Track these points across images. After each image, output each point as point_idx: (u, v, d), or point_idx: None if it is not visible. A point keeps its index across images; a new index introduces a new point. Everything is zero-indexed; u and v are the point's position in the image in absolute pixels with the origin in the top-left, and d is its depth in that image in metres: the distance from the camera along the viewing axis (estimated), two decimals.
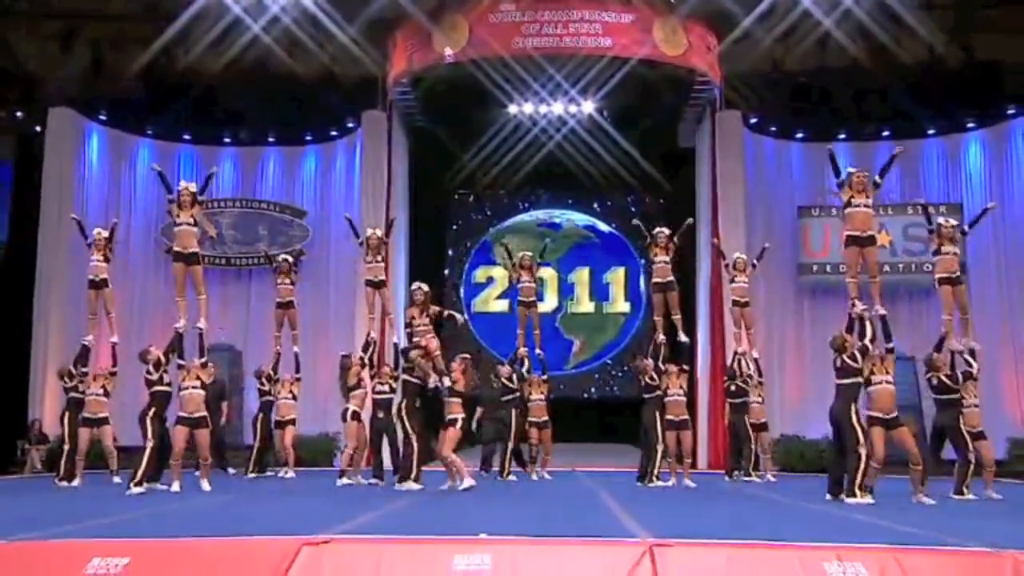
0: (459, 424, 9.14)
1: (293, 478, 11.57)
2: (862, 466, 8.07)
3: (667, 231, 11.42)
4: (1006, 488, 10.04)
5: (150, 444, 9.12)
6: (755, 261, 12.62)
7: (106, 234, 11.21)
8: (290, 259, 12.83)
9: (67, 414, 10.82)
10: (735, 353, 12.37)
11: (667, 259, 11.30)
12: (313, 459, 14.23)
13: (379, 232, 11.93)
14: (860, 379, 8.37)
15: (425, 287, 10.27)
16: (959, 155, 16.51)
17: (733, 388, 11.92)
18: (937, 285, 9.78)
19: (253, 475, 11.82)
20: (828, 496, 8.49)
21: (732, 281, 12.46)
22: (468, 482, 8.98)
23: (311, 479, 11.54)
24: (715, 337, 15.28)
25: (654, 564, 4.48)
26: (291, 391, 12.11)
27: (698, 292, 16.22)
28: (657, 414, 10.37)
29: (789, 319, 16.45)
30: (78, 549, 4.82)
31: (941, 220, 9.91)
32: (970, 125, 16.34)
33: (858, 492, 8.00)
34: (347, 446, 10.90)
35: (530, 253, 12.73)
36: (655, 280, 11.40)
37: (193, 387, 9.23)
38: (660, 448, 10.37)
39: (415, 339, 9.69)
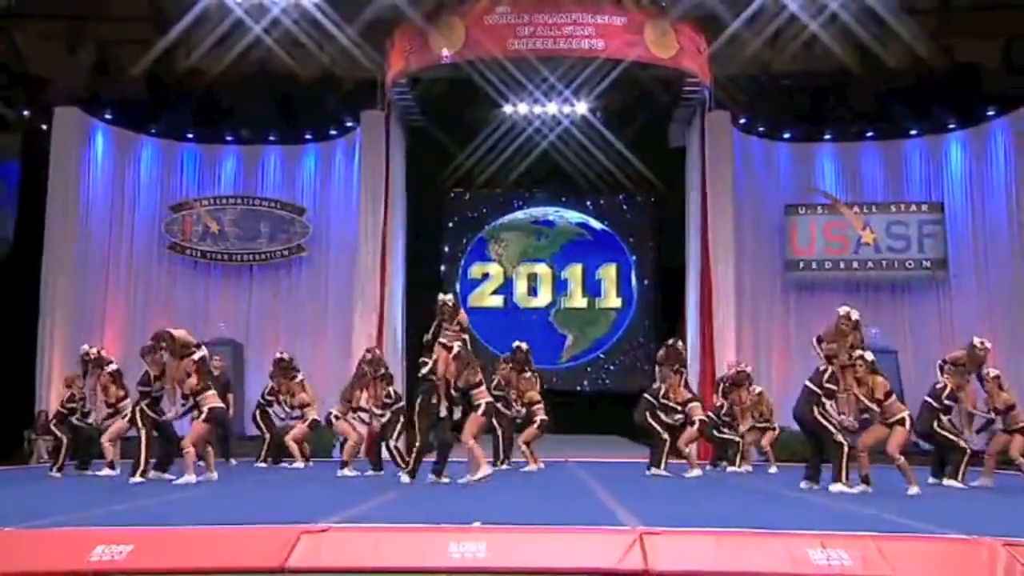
0: (482, 409, 8.87)
1: (299, 469, 11.94)
2: (845, 454, 8.34)
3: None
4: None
5: (143, 433, 9.29)
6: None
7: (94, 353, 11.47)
8: None
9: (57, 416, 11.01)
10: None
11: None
12: (312, 450, 14.59)
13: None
14: (820, 391, 8.54)
15: (450, 299, 9.83)
16: (941, 155, 16.89)
17: (721, 407, 12.00)
18: None
19: (263, 464, 12.20)
20: (803, 483, 8.71)
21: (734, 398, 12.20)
22: (485, 470, 8.79)
23: (310, 469, 11.80)
24: (704, 330, 15.69)
25: (644, 551, 4.60)
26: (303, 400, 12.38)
27: (687, 286, 16.64)
28: (648, 414, 10.57)
29: (776, 314, 16.85)
30: (82, 537, 4.88)
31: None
32: (951, 126, 16.68)
33: (843, 480, 8.23)
34: (343, 439, 11.14)
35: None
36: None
37: None
38: (666, 439, 10.56)
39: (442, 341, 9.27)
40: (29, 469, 12.68)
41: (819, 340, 9.19)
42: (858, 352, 8.73)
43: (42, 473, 10.80)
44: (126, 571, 4.60)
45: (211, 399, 9.29)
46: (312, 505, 6.81)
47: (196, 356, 9.41)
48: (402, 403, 11.07)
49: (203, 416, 9.18)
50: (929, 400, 9.64)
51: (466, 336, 9.43)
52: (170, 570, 4.63)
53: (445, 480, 8.98)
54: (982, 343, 9.90)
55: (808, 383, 8.77)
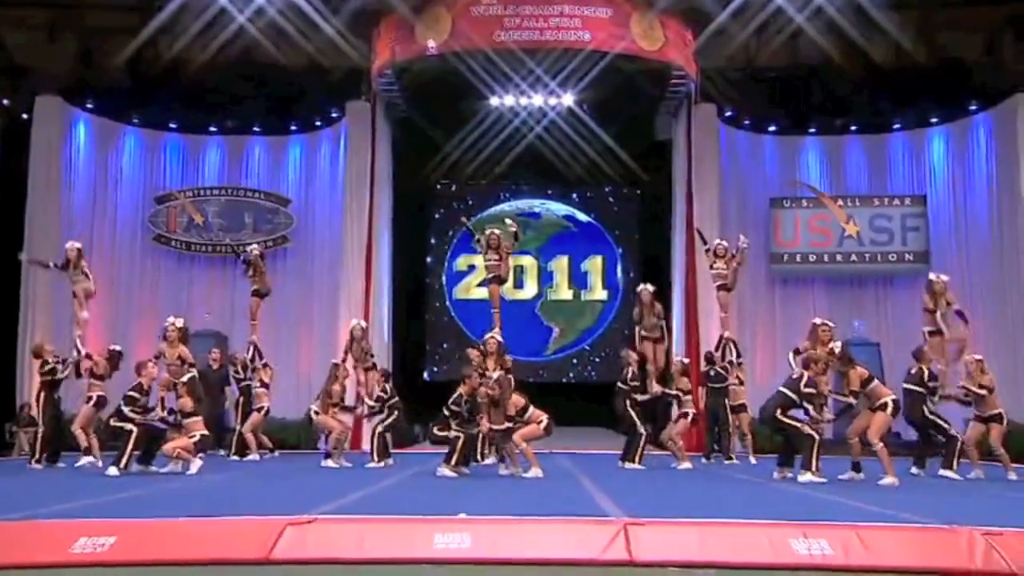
0: (545, 424, 8.89)
1: (264, 460, 11.86)
2: (815, 445, 8.41)
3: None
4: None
5: (134, 428, 9.25)
6: (734, 251, 12.78)
7: (78, 246, 11.56)
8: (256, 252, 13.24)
9: (42, 395, 10.70)
10: (721, 337, 12.61)
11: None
12: (297, 442, 14.58)
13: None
14: (797, 397, 8.61)
15: (499, 338, 10.16)
16: (923, 149, 17.04)
17: (712, 373, 12.12)
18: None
19: (236, 457, 12.14)
20: (776, 472, 8.87)
21: (711, 267, 12.84)
22: (536, 471, 8.77)
23: (296, 461, 11.75)
24: (689, 321, 15.76)
25: (627, 541, 4.62)
26: (262, 379, 12.32)
27: (673, 278, 16.68)
28: (628, 403, 10.42)
29: (761, 305, 16.96)
30: (65, 529, 4.84)
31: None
32: (934, 120, 16.84)
33: (812, 469, 8.30)
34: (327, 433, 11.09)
35: (498, 231, 12.16)
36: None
37: None
38: (643, 434, 10.49)
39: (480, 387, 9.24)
40: (10, 461, 12.61)
41: (796, 352, 9.42)
42: (830, 346, 8.97)
43: (23, 465, 10.73)
44: (109, 563, 4.56)
45: (199, 426, 9.32)
46: (298, 497, 6.81)
47: (186, 377, 9.51)
48: (396, 399, 10.85)
49: (194, 440, 9.22)
50: (911, 387, 9.43)
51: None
52: (153, 562, 4.59)
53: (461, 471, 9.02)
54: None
55: (783, 389, 8.78)
